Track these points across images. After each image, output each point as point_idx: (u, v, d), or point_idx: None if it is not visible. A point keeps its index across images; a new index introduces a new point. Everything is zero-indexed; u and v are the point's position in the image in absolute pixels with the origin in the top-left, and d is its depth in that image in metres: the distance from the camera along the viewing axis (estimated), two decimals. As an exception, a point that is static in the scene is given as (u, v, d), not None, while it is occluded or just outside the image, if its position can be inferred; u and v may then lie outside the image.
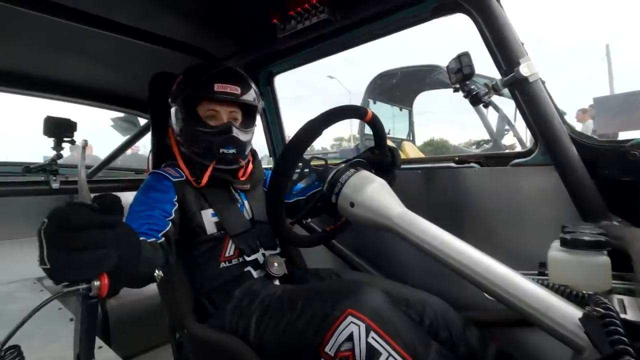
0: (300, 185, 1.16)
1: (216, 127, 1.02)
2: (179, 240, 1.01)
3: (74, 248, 0.43)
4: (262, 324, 0.83)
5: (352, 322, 0.69)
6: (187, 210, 0.99)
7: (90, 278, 0.46)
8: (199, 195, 1.03)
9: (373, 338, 0.67)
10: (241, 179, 1.10)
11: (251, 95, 1.06)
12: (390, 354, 0.66)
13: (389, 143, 1.02)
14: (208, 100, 1.03)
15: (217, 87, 1.00)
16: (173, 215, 0.92)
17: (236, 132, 1.03)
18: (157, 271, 0.73)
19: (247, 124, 1.09)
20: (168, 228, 0.87)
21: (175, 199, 0.97)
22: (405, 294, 0.90)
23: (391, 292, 0.85)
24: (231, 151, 1.03)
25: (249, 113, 1.10)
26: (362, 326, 0.68)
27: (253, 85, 1.09)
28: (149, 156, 1.27)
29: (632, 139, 0.79)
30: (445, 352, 0.76)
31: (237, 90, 1.02)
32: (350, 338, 0.68)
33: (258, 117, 1.15)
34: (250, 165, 1.14)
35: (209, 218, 1.01)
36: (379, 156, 0.96)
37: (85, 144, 0.63)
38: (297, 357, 0.77)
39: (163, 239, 0.84)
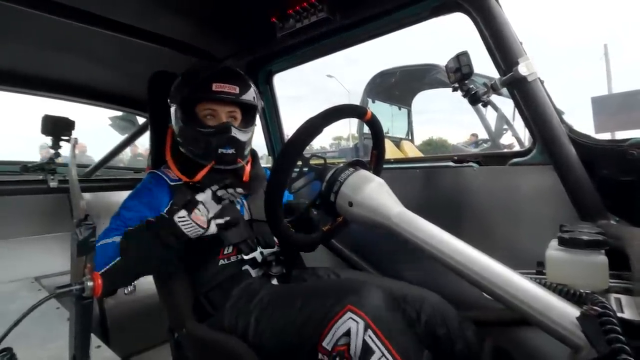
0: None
1: (215, 127, 1.02)
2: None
3: None
4: (261, 322, 0.84)
5: (351, 317, 0.70)
6: None
7: None
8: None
9: (369, 336, 0.68)
10: (243, 180, 1.07)
11: (250, 95, 1.05)
12: (383, 354, 0.66)
13: (388, 142, 1.02)
14: (207, 101, 1.02)
15: (215, 86, 0.99)
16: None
17: (235, 132, 1.02)
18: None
19: (247, 123, 1.08)
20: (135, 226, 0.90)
21: (169, 201, 0.98)
22: (404, 290, 0.91)
23: (389, 290, 0.85)
24: (230, 151, 1.02)
25: (248, 113, 1.09)
26: (361, 323, 0.69)
27: (252, 85, 1.08)
28: (149, 154, 1.27)
29: (631, 139, 0.79)
30: None
31: (235, 89, 1.01)
32: (347, 333, 0.69)
33: (257, 117, 1.14)
34: (249, 167, 1.11)
35: None
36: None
37: (75, 142, 0.62)
38: (296, 354, 0.77)
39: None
